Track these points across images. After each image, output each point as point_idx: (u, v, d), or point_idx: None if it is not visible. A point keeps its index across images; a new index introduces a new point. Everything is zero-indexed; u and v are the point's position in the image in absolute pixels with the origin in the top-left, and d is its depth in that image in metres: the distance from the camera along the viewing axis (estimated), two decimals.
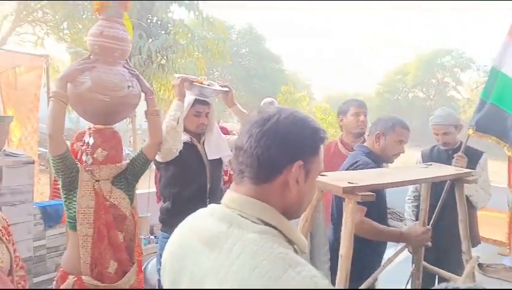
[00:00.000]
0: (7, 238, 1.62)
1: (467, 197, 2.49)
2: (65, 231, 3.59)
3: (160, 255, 2.51)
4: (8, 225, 1.70)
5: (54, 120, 1.91)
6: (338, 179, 1.62)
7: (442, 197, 2.58)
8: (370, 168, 2.11)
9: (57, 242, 3.56)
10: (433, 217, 2.55)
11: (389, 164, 2.40)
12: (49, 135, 1.91)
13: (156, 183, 3.54)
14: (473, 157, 2.81)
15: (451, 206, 2.29)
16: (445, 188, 2.55)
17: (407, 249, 2.38)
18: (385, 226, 2.11)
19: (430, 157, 3.00)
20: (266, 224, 0.85)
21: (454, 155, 2.76)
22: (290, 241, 0.86)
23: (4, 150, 3.14)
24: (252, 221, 0.84)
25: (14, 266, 1.66)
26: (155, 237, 4.49)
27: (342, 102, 3.16)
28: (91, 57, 2.06)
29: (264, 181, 0.87)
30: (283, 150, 0.86)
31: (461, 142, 2.91)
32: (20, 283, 1.70)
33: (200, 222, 0.93)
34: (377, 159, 2.26)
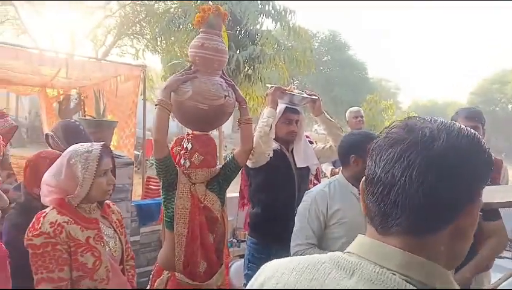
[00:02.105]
0: (120, 230, 1.80)
1: None
2: (156, 230, 3.83)
3: (248, 260, 2.56)
4: (122, 218, 1.88)
5: (159, 126, 2.06)
6: None
7: None
8: None
9: (148, 239, 3.79)
10: None
11: None
12: (154, 140, 2.07)
13: (242, 188, 3.64)
14: None
15: None
16: None
17: None
18: None
19: None
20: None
21: None
22: None
23: None
24: (417, 288, 0.60)
25: (125, 256, 1.83)
26: (237, 240, 4.60)
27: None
28: (192, 67, 2.19)
29: (430, 232, 0.62)
30: (463, 185, 0.61)
31: None
32: (130, 272, 1.88)
33: (331, 282, 0.65)
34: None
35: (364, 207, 0.69)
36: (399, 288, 0.58)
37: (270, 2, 5.99)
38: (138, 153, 9.43)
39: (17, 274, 1.59)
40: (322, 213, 1.97)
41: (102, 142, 1.75)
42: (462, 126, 0.65)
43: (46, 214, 1.58)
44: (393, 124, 0.69)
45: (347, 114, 4.58)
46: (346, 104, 19.69)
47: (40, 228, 1.52)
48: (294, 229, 2.04)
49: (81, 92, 6.84)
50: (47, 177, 1.65)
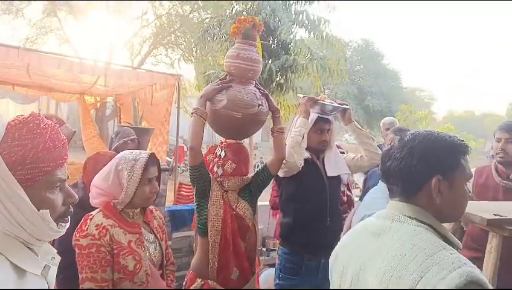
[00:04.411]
0: (161, 235, 1.84)
1: None
2: (187, 235, 3.88)
3: (280, 270, 2.55)
4: (163, 224, 1.93)
5: (195, 134, 2.10)
6: (482, 209, 1.47)
7: None
8: None
9: (180, 244, 3.84)
10: None
11: None
12: (189, 147, 2.11)
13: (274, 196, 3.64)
14: None
15: None
16: None
17: None
18: None
19: None
20: (423, 223, 1.04)
21: None
22: (446, 239, 1.03)
23: None
24: (411, 219, 1.06)
25: (165, 261, 1.87)
26: (266, 249, 4.59)
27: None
28: (227, 77, 2.23)
29: (410, 195, 1.08)
30: (420, 167, 1.05)
31: None
32: (169, 277, 1.92)
33: (367, 221, 1.18)
34: None
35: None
36: (392, 216, 1.09)
37: (304, 12, 6.01)
38: (170, 159, 9.63)
39: (69, 267, 1.64)
40: None
41: (150, 152, 1.80)
42: (430, 132, 1.10)
43: (93, 216, 1.65)
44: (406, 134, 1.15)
45: (381, 124, 4.48)
46: (379, 113, 19.29)
47: (86, 229, 1.60)
48: None
49: (117, 100, 7.07)
50: (97, 180, 1.73)
